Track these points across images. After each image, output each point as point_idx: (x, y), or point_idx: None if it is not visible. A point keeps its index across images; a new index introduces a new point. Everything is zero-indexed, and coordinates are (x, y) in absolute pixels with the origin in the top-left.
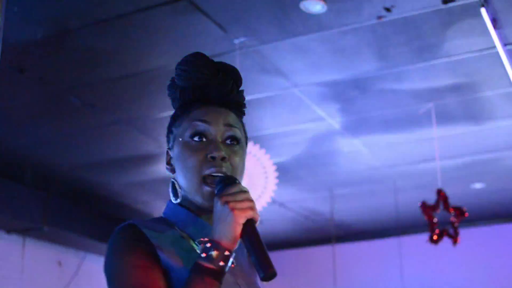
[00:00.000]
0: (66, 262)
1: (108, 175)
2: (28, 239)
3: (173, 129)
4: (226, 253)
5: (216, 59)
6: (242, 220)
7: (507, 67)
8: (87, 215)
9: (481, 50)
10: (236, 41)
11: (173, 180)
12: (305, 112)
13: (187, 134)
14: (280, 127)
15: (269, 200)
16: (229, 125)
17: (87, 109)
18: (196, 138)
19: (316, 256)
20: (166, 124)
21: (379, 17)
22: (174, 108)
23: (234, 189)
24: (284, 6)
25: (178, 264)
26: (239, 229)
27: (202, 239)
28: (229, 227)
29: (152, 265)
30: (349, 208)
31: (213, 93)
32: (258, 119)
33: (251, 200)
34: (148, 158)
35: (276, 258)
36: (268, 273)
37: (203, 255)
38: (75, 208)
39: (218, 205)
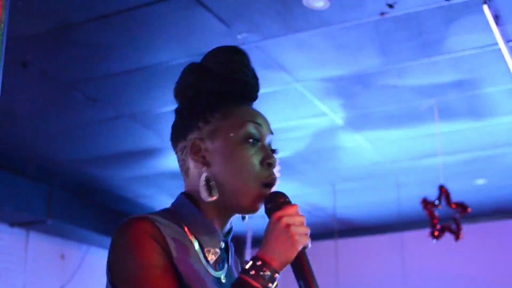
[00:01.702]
0: (69, 255)
1: (110, 169)
2: (32, 232)
3: (210, 119)
4: (276, 275)
5: None
6: (300, 247)
7: (509, 64)
8: (90, 208)
9: (483, 46)
10: (239, 37)
11: (208, 175)
12: (308, 107)
13: (241, 132)
14: (283, 122)
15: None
16: (272, 132)
17: (90, 104)
18: (250, 140)
19: (318, 251)
20: (168, 118)
21: (382, 13)
22: (184, 94)
23: (293, 211)
24: (287, 1)
25: (186, 271)
26: (295, 254)
27: (253, 257)
28: (286, 251)
29: (169, 267)
30: (351, 203)
31: (252, 93)
32: None
33: (307, 226)
34: (150, 152)
35: None
36: None
37: (252, 272)
38: (78, 202)
39: (278, 225)
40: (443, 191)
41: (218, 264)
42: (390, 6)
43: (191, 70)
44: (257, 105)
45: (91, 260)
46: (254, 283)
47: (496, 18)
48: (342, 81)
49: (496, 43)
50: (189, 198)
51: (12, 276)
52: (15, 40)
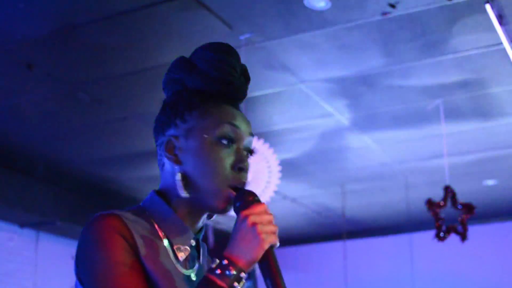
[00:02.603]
0: None
1: (119, 169)
2: (42, 234)
3: (188, 117)
4: (242, 274)
5: None
6: (267, 246)
7: None
8: (99, 209)
9: (487, 46)
10: (242, 37)
11: (182, 173)
12: (313, 108)
13: (215, 133)
14: (289, 123)
15: (272, 194)
16: (252, 135)
17: (96, 105)
18: (224, 141)
19: (327, 252)
20: None
21: (384, 13)
22: (171, 87)
23: (260, 209)
24: (288, 2)
25: (154, 268)
26: (261, 254)
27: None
28: (252, 250)
29: (136, 264)
30: (360, 204)
31: (236, 94)
32: (266, 115)
33: (275, 225)
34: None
35: (288, 253)
36: None
37: (218, 271)
38: (87, 203)
39: (244, 223)
40: (448, 192)
41: (188, 262)
42: (392, 6)
43: (178, 65)
44: (263, 105)
45: None
46: (220, 283)
47: (500, 17)
48: (346, 82)
49: (501, 43)
50: (160, 195)
51: (22, 277)
52: (20, 42)
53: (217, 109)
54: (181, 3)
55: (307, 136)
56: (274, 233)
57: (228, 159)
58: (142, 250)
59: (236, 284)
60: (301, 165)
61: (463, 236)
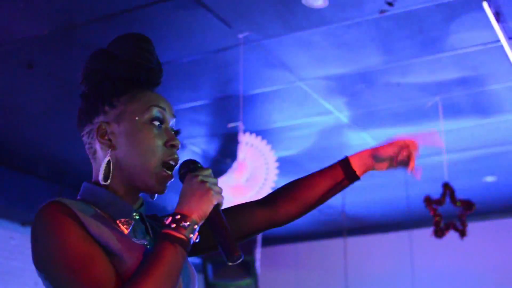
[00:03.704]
0: None
1: None
2: None
3: (117, 103)
4: (195, 226)
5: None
6: (215, 201)
7: None
8: None
9: (486, 43)
10: (240, 36)
11: (109, 159)
12: (312, 105)
13: (146, 116)
14: (288, 121)
15: (269, 191)
16: (174, 116)
17: None
18: (155, 122)
19: (327, 249)
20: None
21: (382, 11)
22: (91, 79)
23: (208, 172)
24: (287, 0)
25: (110, 243)
26: (210, 208)
27: (174, 212)
28: (202, 204)
29: (89, 237)
30: (360, 201)
31: (156, 79)
32: (265, 113)
33: (220, 187)
34: None
35: (288, 250)
36: (234, 257)
37: (173, 225)
38: None
39: (193, 182)
40: (447, 189)
41: (137, 235)
42: (390, 4)
43: (97, 56)
44: (262, 103)
45: None
46: (177, 234)
47: (497, 15)
48: (345, 80)
49: (499, 40)
50: (94, 183)
51: (24, 275)
52: (20, 41)
53: (143, 94)
54: (180, 2)
55: (306, 133)
56: (220, 192)
57: (160, 138)
58: (89, 226)
59: (191, 235)
60: (301, 163)
61: (462, 233)
